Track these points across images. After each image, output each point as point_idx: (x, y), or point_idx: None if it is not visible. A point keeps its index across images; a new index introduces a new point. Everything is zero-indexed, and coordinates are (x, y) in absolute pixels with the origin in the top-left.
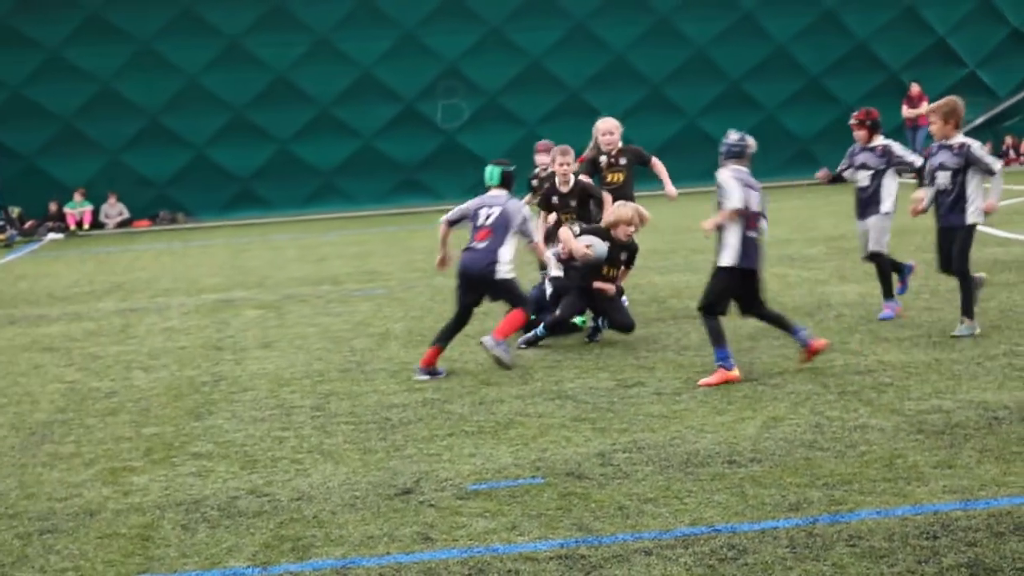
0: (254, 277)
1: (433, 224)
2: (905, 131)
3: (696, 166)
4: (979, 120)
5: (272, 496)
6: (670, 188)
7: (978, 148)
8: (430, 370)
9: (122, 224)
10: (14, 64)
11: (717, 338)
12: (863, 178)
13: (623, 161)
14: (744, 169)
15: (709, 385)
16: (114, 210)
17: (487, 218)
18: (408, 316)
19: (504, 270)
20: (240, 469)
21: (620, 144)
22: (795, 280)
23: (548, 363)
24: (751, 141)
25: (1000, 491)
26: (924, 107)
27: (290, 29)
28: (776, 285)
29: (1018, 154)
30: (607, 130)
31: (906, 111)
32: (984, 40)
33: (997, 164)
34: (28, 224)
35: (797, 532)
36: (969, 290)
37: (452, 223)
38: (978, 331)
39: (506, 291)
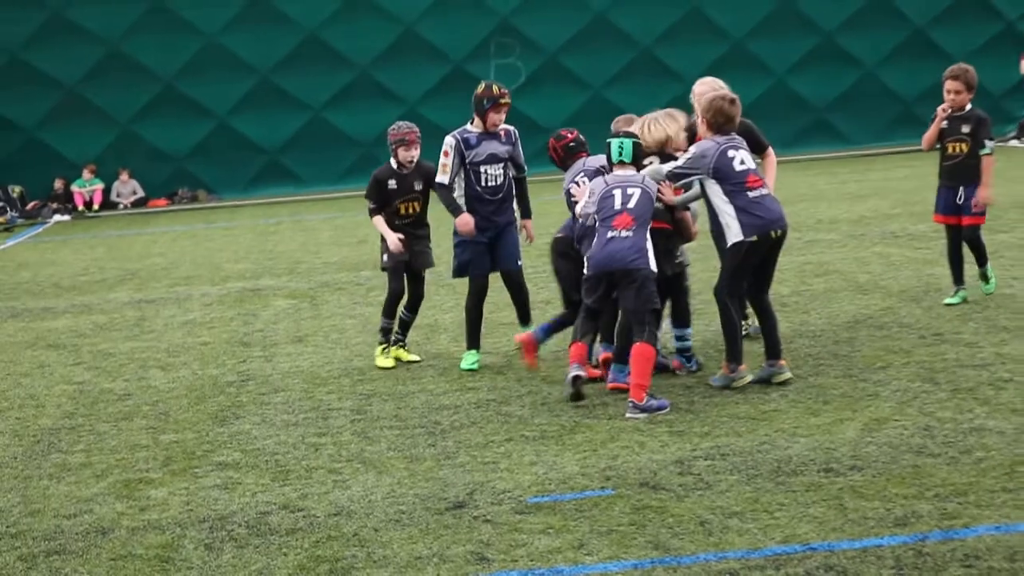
0: (285, 262)
1: None
2: None
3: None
4: None
5: (307, 511)
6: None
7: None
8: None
9: (136, 204)
10: (11, 24)
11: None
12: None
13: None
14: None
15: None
16: (127, 188)
17: (626, 201)
18: (459, 306)
19: (653, 262)
20: (271, 481)
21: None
22: (899, 260)
23: None
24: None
25: None
26: None
27: None
28: (878, 266)
29: None
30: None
31: None
32: None
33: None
34: (31, 205)
35: (904, 551)
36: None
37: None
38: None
39: (646, 291)
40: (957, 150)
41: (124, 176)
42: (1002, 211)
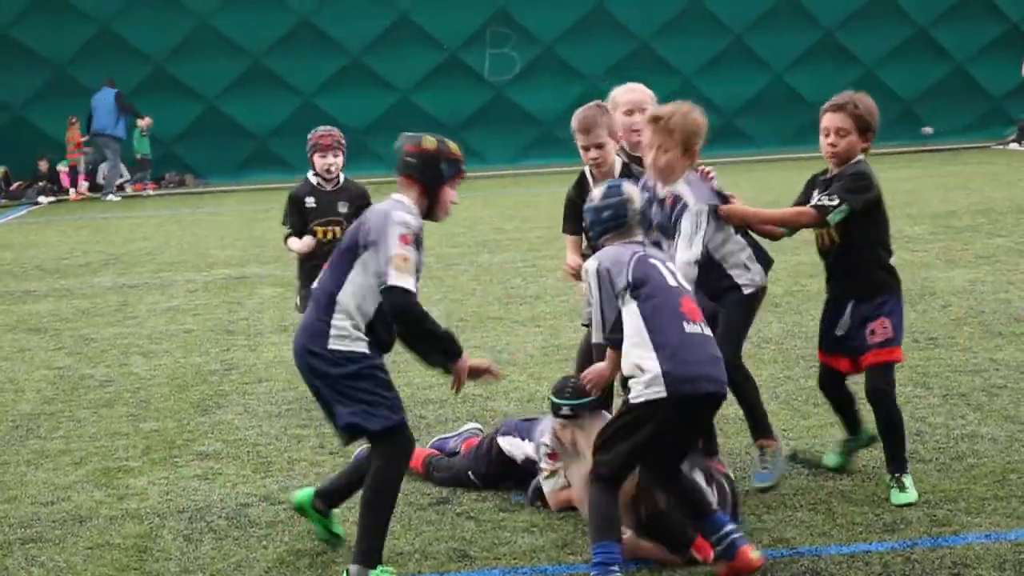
0: (272, 250)
1: (484, 192)
2: None
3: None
4: None
5: (288, 504)
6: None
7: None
8: None
9: (122, 187)
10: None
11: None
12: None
13: None
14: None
15: None
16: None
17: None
18: (448, 298)
19: None
20: (252, 472)
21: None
22: (895, 263)
23: None
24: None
25: None
26: None
27: None
28: None
29: None
30: (632, 103)
31: None
32: None
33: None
34: (15, 186)
35: (892, 557)
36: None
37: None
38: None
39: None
40: (826, 240)
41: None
42: (1000, 215)
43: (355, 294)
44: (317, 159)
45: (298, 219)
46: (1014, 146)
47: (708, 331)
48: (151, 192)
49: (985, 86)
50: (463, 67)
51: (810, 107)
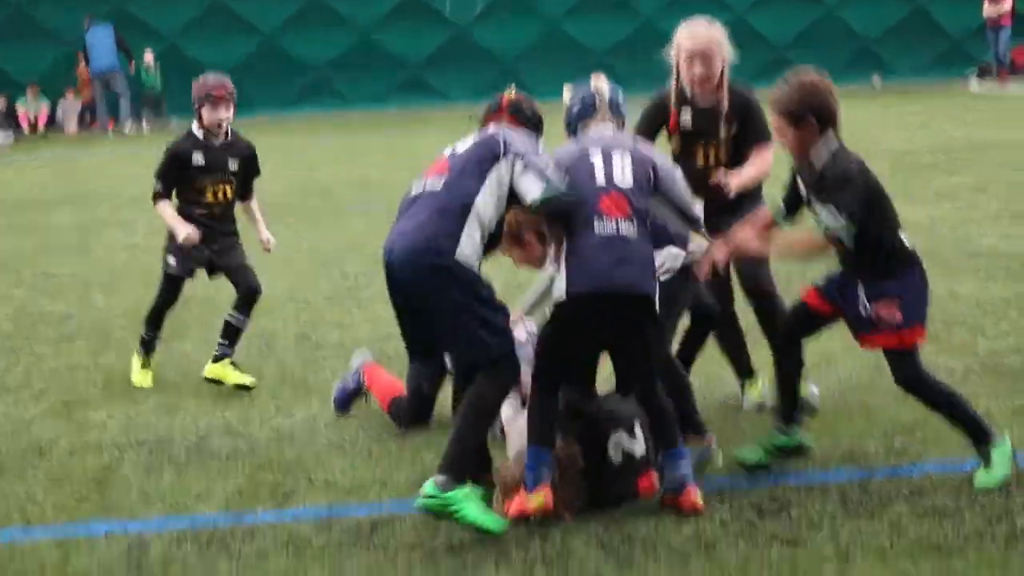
0: None
1: (446, 128)
2: (986, 32)
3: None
4: None
5: (248, 436)
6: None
7: None
8: None
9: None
10: None
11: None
12: None
13: (732, 125)
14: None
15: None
16: (74, 108)
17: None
18: None
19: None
20: (212, 405)
21: (726, 83)
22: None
23: None
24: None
25: None
26: (1007, 5)
27: None
28: None
29: None
30: (698, 50)
31: (987, 9)
32: None
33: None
34: None
35: (850, 486)
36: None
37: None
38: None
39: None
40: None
41: (70, 96)
42: (959, 152)
43: (490, 202)
44: (206, 112)
45: (179, 178)
46: (974, 85)
47: (628, 229)
48: (111, 133)
49: (945, 26)
50: (424, 6)
51: (773, 48)
